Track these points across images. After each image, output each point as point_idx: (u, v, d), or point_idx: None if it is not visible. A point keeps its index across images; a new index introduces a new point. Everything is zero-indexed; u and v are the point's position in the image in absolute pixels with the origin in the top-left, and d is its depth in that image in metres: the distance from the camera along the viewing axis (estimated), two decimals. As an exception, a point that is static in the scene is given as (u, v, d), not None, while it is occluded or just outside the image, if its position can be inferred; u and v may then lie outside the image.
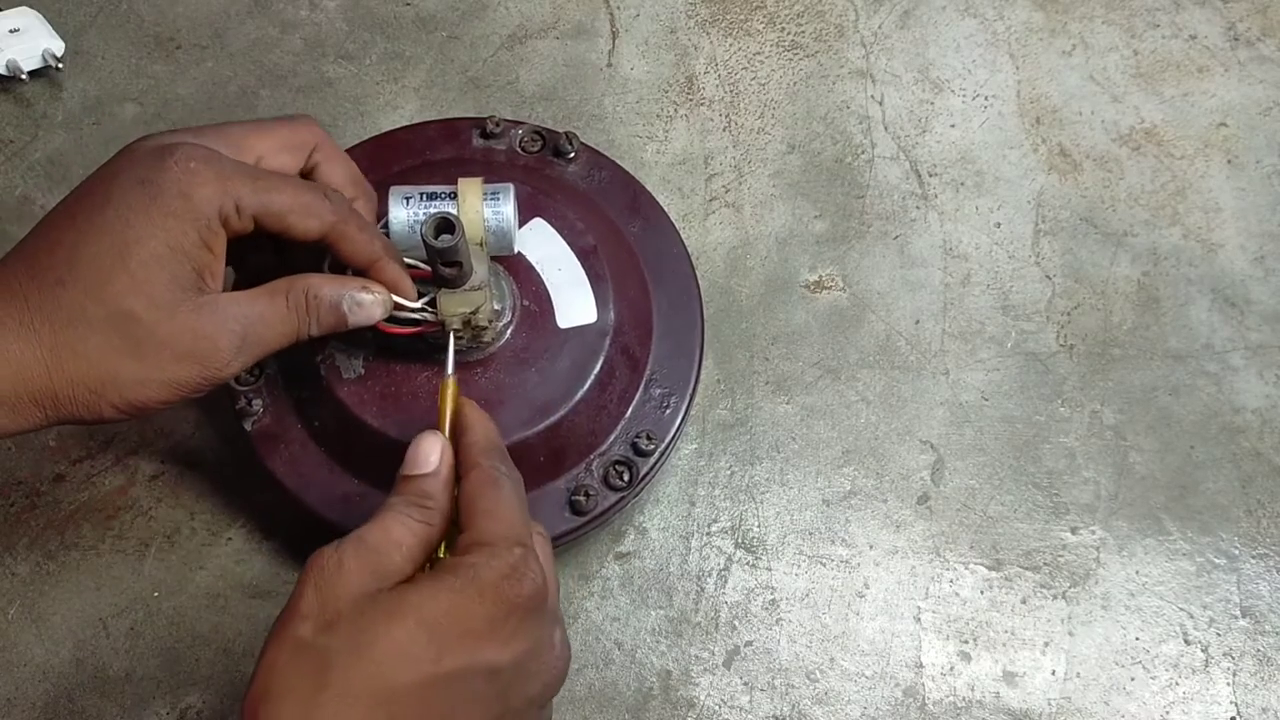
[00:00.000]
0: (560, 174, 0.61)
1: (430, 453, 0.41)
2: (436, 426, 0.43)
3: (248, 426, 0.53)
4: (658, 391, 0.55)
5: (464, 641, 0.36)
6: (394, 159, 0.59)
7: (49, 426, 0.42)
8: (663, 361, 0.56)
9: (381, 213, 0.51)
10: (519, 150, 0.61)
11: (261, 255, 0.49)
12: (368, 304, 0.46)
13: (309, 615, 0.36)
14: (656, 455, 0.54)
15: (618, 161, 0.62)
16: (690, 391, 0.56)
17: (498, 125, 0.61)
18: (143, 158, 0.43)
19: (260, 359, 0.45)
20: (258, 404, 0.54)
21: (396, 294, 0.47)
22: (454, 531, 0.41)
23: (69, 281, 0.41)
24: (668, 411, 0.55)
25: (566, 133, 0.61)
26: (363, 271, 0.47)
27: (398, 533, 0.39)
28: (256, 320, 0.44)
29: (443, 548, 0.41)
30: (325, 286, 0.45)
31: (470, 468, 0.41)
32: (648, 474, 0.54)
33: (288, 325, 0.45)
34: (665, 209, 0.61)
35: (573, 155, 0.61)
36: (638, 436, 0.54)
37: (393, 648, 0.35)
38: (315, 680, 0.34)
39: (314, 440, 0.53)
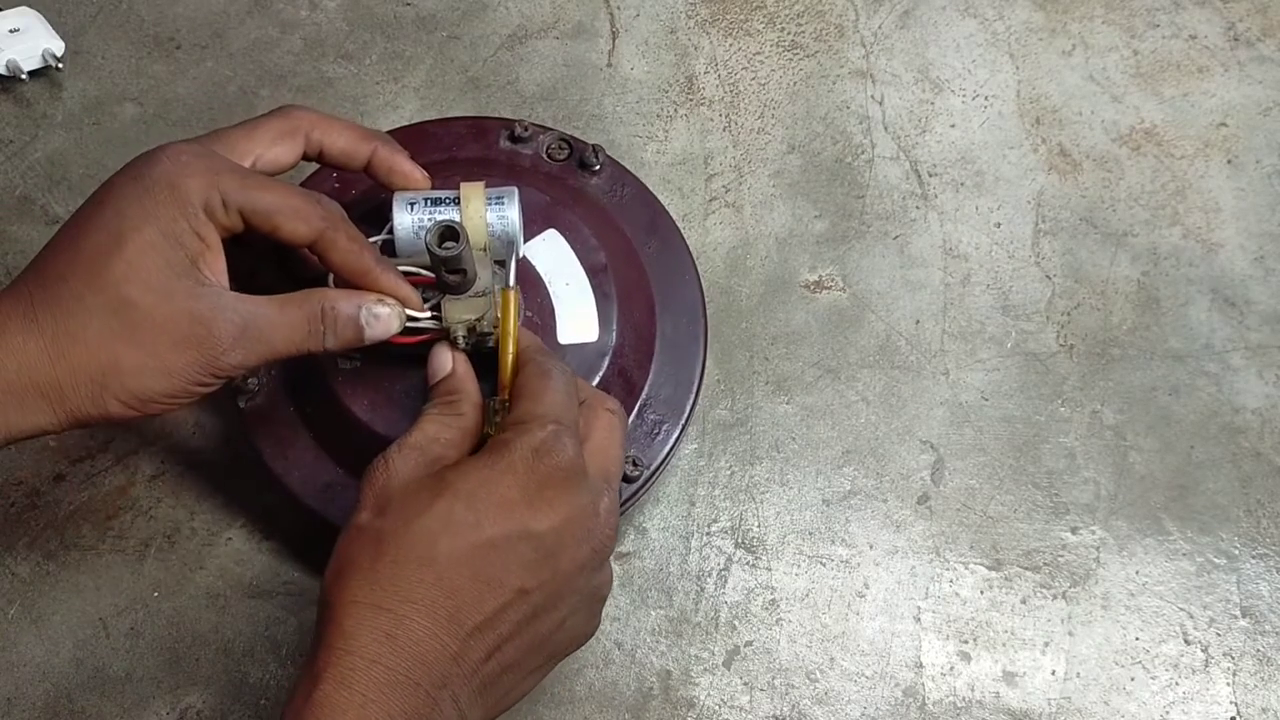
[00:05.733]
0: (583, 186, 0.60)
1: (444, 358, 0.47)
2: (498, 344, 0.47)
3: (241, 404, 0.54)
4: (652, 417, 0.55)
5: (501, 510, 0.40)
6: (420, 151, 0.58)
7: (61, 428, 0.43)
8: (660, 387, 0.56)
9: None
10: (544, 157, 0.61)
11: (267, 265, 0.50)
12: (384, 317, 0.46)
13: (365, 507, 0.41)
14: (641, 481, 0.54)
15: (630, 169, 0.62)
16: (684, 420, 0.55)
17: (526, 130, 0.61)
18: (138, 160, 0.45)
19: (265, 360, 0.45)
20: (253, 382, 0.54)
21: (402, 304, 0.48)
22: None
23: (69, 276, 0.42)
24: (658, 438, 0.55)
25: (594, 145, 0.60)
26: (351, 282, 0.47)
27: (432, 429, 0.44)
28: (260, 317, 0.44)
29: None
30: (342, 300, 0.46)
31: (525, 363, 0.46)
32: (630, 499, 0.54)
33: (296, 332, 0.45)
34: (683, 231, 0.61)
35: (598, 168, 0.60)
36: (625, 461, 0.53)
37: (435, 519, 0.40)
38: (374, 551, 0.39)
39: (304, 425, 0.54)
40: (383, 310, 0.46)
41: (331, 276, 0.49)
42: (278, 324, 0.44)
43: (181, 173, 0.43)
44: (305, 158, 0.50)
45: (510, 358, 0.46)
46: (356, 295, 0.46)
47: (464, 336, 0.47)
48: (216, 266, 0.44)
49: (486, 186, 0.51)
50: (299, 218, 0.45)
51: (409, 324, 0.48)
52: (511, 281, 0.48)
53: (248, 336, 0.43)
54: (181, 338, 0.42)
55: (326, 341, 0.46)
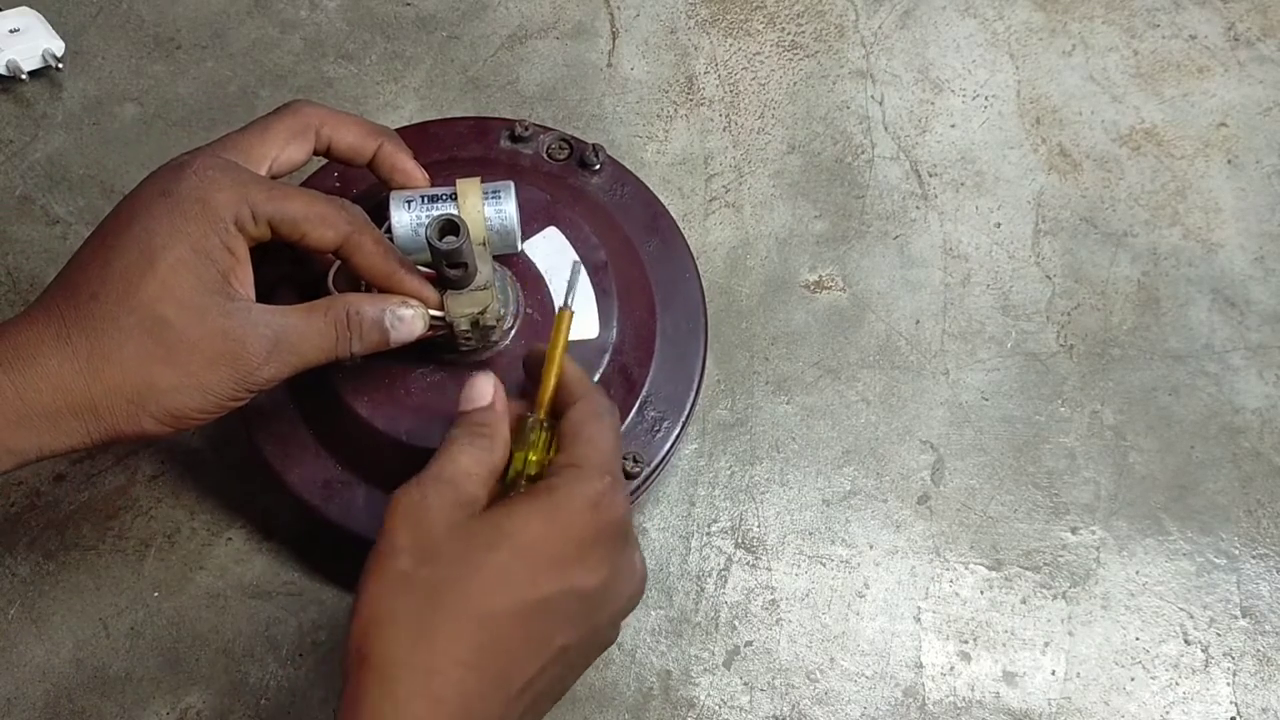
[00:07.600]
0: (583, 185, 0.60)
1: (485, 388, 0.44)
2: (543, 361, 0.45)
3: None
4: (652, 414, 0.55)
5: (555, 567, 0.39)
6: (422, 151, 0.58)
7: (95, 445, 0.43)
8: (660, 384, 0.56)
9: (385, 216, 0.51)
10: (545, 157, 0.61)
11: (278, 267, 0.50)
12: (408, 319, 0.46)
13: (405, 549, 0.38)
14: (642, 478, 0.54)
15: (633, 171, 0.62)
16: (685, 417, 0.55)
17: (527, 129, 0.61)
18: (163, 174, 0.45)
19: (297, 370, 0.45)
20: None
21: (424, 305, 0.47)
22: (538, 454, 0.44)
23: (101, 295, 0.42)
24: (659, 435, 0.55)
25: (594, 145, 0.60)
26: (376, 285, 0.47)
27: (466, 463, 0.41)
28: (290, 329, 0.44)
29: (525, 464, 0.43)
30: (366, 304, 0.46)
31: (578, 397, 0.44)
32: (632, 494, 0.54)
33: (325, 340, 0.45)
34: (683, 231, 0.60)
35: (598, 167, 0.61)
36: (625, 457, 0.53)
37: (492, 574, 0.38)
38: (425, 605, 0.37)
39: (304, 422, 0.54)
40: (406, 313, 0.46)
41: (332, 273, 0.49)
42: (306, 334, 0.44)
43: (210, 188, 0.43)
44: (314, 153, 0.50)
45: (554, 379, 0.45)
46: (380, 299, 0.46)
47: (466, 331, 0.48)
48: (245, 279, 0.45)
49: (483, 182, 0.52)
50: (326, 224, 0.45)
51: None
52: (569, 302, 0.46)
53: (279, 350, 0.44)
54: (216, 356, 0.43)
55: (353, 346, 0.46)
